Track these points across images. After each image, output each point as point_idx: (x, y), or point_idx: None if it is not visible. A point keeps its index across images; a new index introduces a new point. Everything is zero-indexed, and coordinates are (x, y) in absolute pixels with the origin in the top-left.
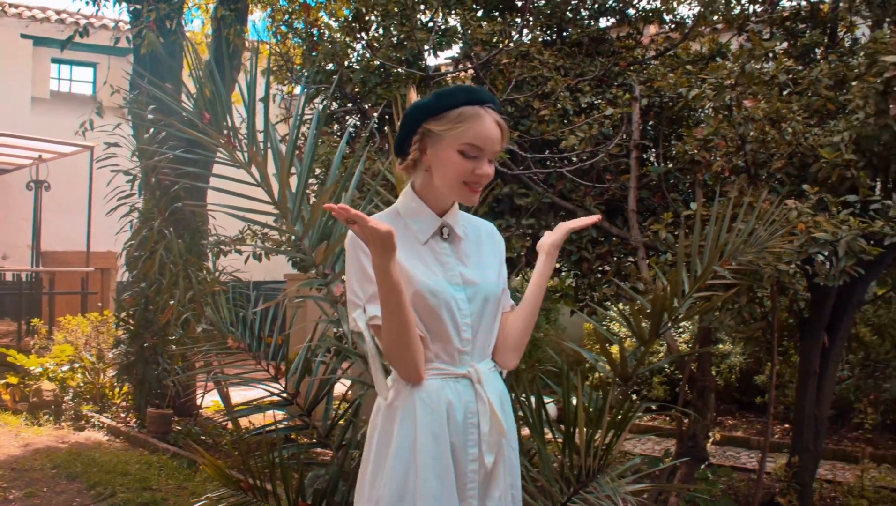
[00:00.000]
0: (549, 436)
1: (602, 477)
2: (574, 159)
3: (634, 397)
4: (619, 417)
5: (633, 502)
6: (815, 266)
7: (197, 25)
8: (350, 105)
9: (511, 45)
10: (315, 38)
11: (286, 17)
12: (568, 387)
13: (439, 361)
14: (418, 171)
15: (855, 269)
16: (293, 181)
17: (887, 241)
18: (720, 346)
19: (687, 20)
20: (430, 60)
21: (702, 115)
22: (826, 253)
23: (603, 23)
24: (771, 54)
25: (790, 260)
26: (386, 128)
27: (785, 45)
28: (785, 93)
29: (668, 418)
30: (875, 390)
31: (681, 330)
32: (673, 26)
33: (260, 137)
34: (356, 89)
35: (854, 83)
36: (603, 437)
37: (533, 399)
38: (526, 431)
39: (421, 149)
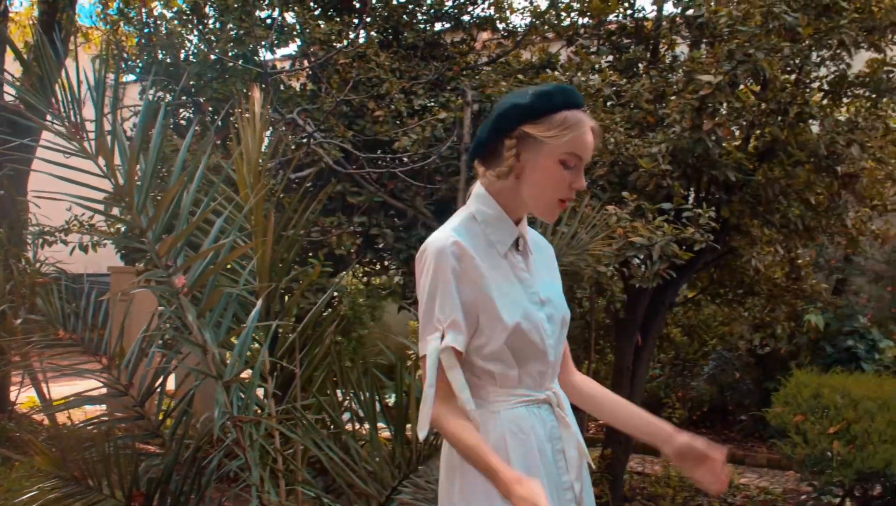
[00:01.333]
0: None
1: (432, 462)
2: (406, 160)
3: None
4: None
5: None
6: (631, 269)
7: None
8: (185, 98)
9: (348, 45)
10: (150, 29)
11: (118, 3)
12: (400, 380)
13: (524, 387)
14: (501, 176)
15: (668, 272)
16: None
17: (697, 246)
18: None
19: (519, 29)
20: (267, 56)
21: None
22: (642, 256)
23: (438, 27)
24: (597, 67)
25: (609, 263)
26: (219, 123)
27: (610, 58)
28: (609, 105)
29: None
30: (683, 387)
31: None
32: (505, 34)
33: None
34: (192, 82)
35: (672, 98)
36: None
37: (366, 394)
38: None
39: (516, 154)
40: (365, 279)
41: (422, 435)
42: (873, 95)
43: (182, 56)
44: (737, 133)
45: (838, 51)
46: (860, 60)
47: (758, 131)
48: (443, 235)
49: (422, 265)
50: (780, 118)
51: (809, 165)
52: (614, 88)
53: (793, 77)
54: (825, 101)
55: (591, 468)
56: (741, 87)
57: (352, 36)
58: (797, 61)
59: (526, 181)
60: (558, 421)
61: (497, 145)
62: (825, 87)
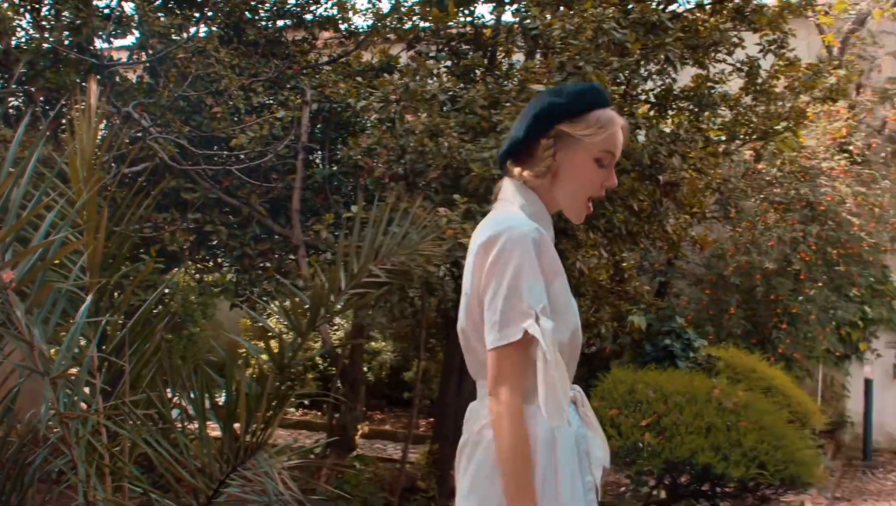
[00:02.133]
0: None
1: (260, 454)
2: (243, 157)
3: (290, 385)
4: (276, 401)
5: (288, 476)
6: (461, 269)
7: None
8: (16, 87)
9: (188, 40)
10: None
11: None
12: (230, 377)
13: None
14: (540, 175)
15: None
16: None
17: None
18: (373, 344)
19: (361, 30)
20: (104, 47)
21: (368, 124)
22: None
23: (280, 25)
24: (435, 72)
25: (438, 263)
26: (52, 114)
27: (449, 63)
28: (444, 109)
29: (319, 414)
30: None
31: (336, 327)
32: (347, 35)
33: None
34: (23, 71)
35: (507, 105)
36: (263, 415)
37: (196, 391)
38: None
39: (553, 153)
40: (197, 276)
41: (554, 422)
42: (696, 109)
43: (13, 43)
44: None
45: (665, 66)
46: (686, 76)
47: None
48: (522, 222)
49: (499, 252)
50: None
51: (634, 173)
52: (450, 94)
53: (622, 89)
54: (651, 113)
55: (607, 469)
56: None
57: (192, 30)
58: (626, 74)
59: (561, 180)
60: (582, 420)
61: (532, 145)
62: (652, 99)
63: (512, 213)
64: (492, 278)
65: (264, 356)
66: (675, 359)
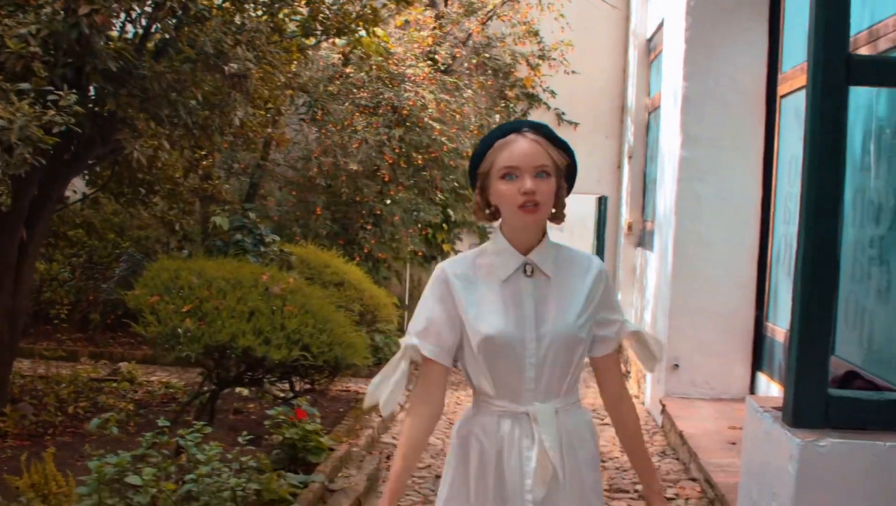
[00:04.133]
0: None
1: None
2: None
3: None
4: None
5: None
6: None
7: None
8: None
9: None
10: None
11: None
12: None
13: (501, 400)
14: (478, 217)
15: (37, 158)
16: None
17: (57, 129)
18: None
19: None
20: None
21: None
22: (4, 140)
23: None
24: None
25: None
26: None
27: None
28: None
29: None
30: (95, 291)
31: None
32: None
33: None
34: None
35: None
36: None
37: None
38: None
39: (483, 195)
40: None
41: (385, 412)
42: (275, 5)
43: None
44: (129, 26)
45: None
46: None
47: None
48: (440, 265)
49: None
50: (175, 17)
51: (198, 62)
52: None
53: None
54: (226, 4)
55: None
56: None
57: None
58: None
59: (501, 210)
60: (529, 436)
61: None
62: None
63: (463, 253)
64: None
65: None
66: (247, 254)
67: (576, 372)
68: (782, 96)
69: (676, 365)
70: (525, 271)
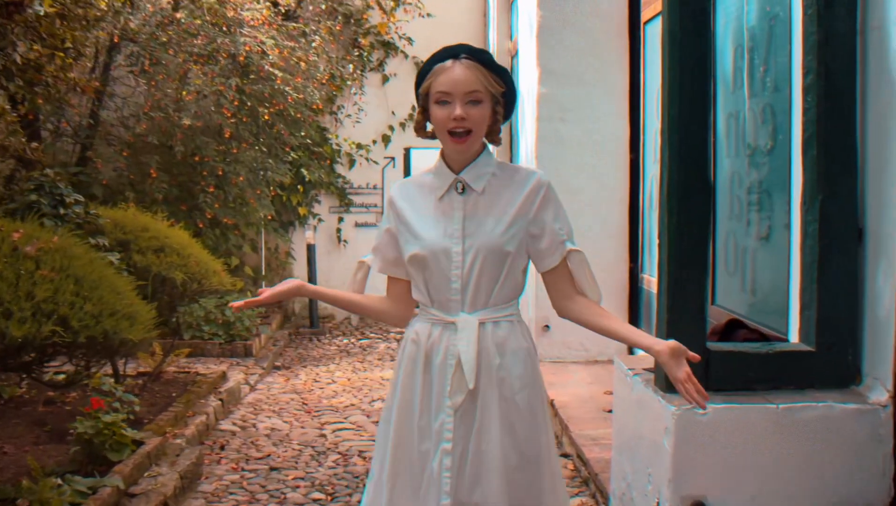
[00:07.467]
0: None
1: None
2: None
3: None
4: None
5: None
6: None
7: None
8: None
9: None
10: None
11: None
12: None
13: (434, 308)
14: (418, 133)
15: None
16: None
17: None
18: None
19: None
20: None
21: None
22: None
23: None
24: None
25: None
26: None
27: None
28: None
29: None
30: None
31: None
32: None
33: None
34: None
35: None
36: None
37: None
38: None
39: (424, 115)
40: None
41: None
42: None
43: None
44: None
45: None
46: None
47: None
48: (392, 185)
49: None
50: None
51: None
52: None
53: None
54: None
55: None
56: None
57: None
58: None
59: (436, 133)
60: (455, 343)
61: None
62: None
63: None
64: None
65: None
66: (44, 217)
67: (507, 284)
68: (646, 22)
69: (547, 326)
70: (457, 189)
